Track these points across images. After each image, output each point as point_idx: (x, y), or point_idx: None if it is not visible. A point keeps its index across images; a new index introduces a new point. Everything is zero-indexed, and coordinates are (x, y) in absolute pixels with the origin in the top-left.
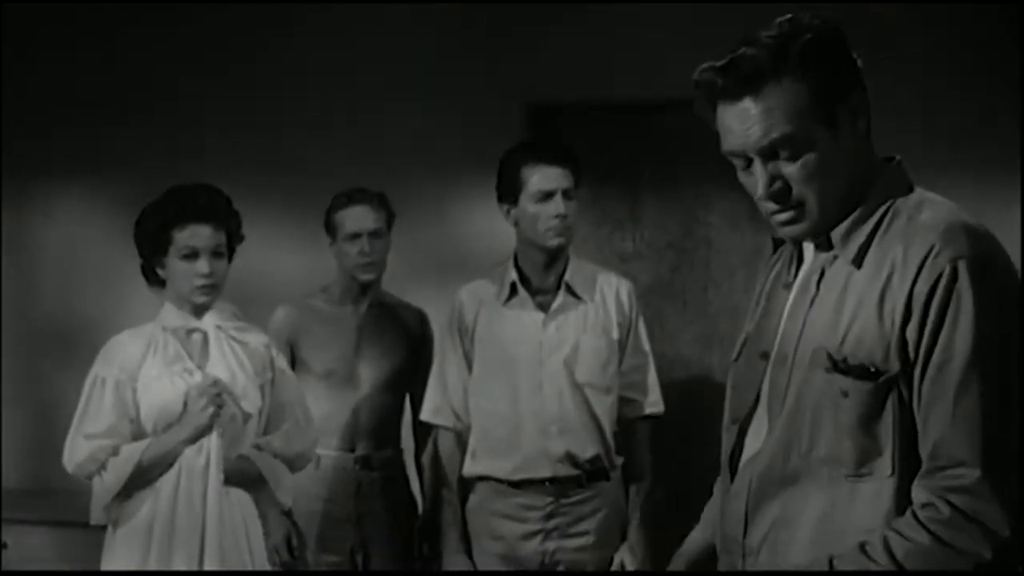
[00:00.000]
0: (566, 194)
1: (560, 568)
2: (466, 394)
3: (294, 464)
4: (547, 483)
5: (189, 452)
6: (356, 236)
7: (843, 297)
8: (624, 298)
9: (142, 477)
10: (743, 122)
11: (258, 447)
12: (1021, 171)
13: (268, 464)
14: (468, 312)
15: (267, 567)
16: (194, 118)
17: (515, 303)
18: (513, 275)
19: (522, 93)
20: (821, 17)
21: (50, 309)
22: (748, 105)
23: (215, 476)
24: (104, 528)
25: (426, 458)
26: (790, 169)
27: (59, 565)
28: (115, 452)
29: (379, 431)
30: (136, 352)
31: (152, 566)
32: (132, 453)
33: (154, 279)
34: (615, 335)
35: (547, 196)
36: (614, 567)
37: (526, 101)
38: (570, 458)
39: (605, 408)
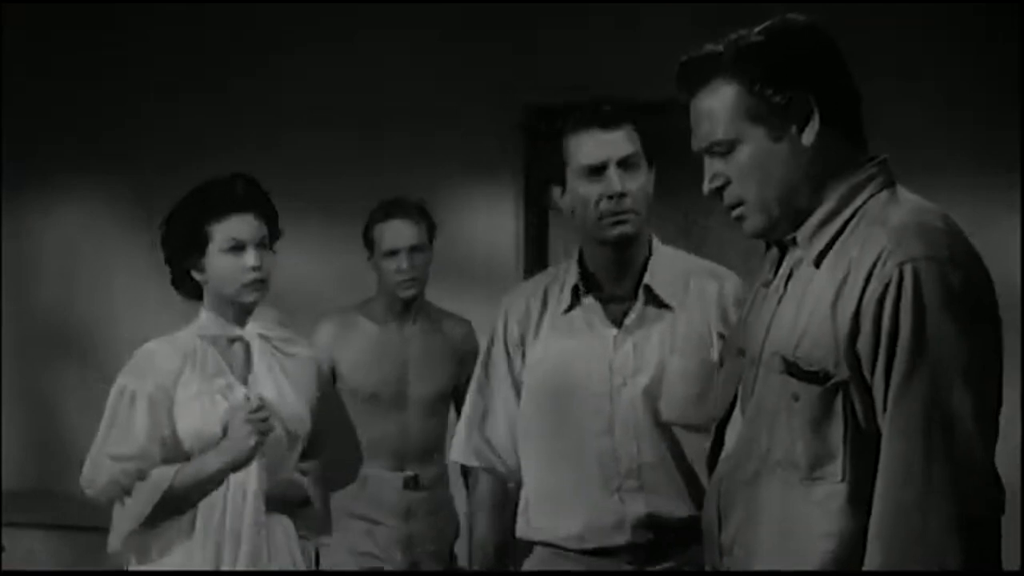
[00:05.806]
0: (625, 163)
1: None
2: (513, 428)
3: (336, 487)
4: (623, 552)
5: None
6: (394, 252)
7: (804, 298)
8: (729, 299)
9: (171, 505)
10: (693, 125)
11: (302, 472)
12: (1021, 173)
13: (314, 492)
14: (515, 326)
15: None
16: (195, 119)
17: (578, 314)
18: (575, 278)
19: (520, 94)
20: (793, 21)
21: (50, 309)
22: (692, 108)
23: (251, 508)
24: (104, 531)
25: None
26: (726, 167)
27: (57, 568)
28: (142, 476)
29: (428, 449)
30: (172, 365)
31: None
32: (161, 479)
33: (188, 286)
34: (715, 355)
35: (596, 171)
36: None
37: (524, 102)
38: (653, 521)
39: (701, 453)
